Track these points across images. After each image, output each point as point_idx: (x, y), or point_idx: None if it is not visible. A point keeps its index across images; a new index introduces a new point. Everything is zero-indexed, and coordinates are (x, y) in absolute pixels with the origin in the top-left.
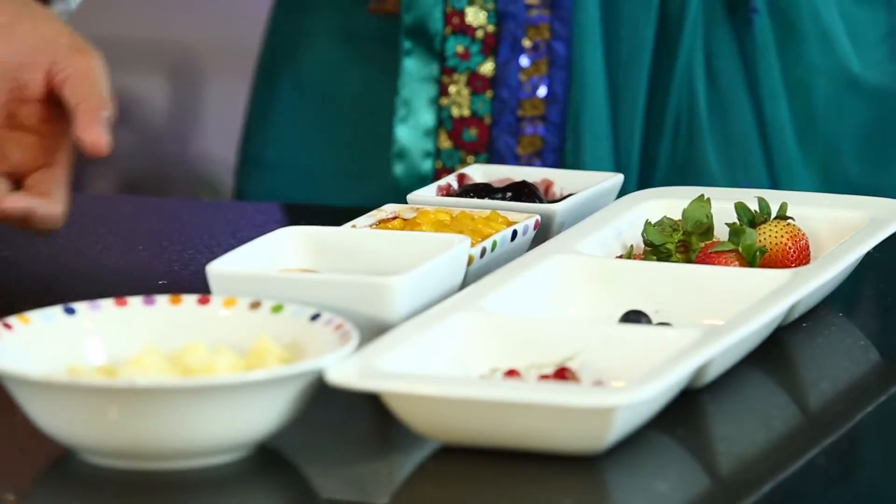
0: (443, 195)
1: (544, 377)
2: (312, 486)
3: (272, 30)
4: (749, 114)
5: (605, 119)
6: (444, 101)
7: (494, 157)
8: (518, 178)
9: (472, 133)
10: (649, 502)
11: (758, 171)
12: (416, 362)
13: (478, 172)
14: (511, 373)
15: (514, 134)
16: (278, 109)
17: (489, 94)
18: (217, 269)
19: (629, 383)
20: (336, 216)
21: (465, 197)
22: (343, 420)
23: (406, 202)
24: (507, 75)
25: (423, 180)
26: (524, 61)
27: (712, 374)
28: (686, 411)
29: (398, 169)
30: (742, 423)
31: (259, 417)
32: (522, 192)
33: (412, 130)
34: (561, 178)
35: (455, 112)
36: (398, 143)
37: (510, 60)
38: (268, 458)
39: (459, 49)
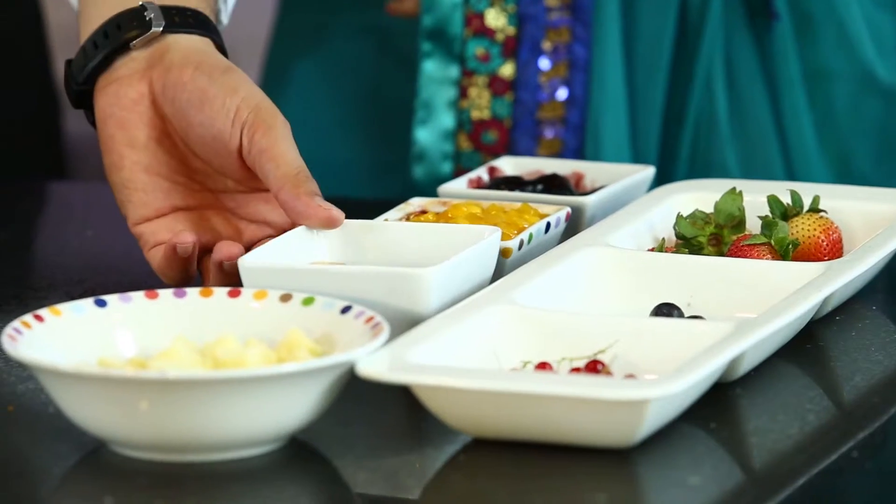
0: (473, 188)
1: (576, 370)
2: (344, 478)
3: (282, 25)
4: (768, 115)
5: (624, 121)
6: (464, 103)
7: None
8: (549, 171)
9: (491, 135)
10: (682, 496)
11: (776, 172)
12: (447, 355)
13: (508, 165)
14: (542, 366)
15: (534, 136)
16: (292, 103)
17: (509, 96)
18: (249, 262)
19: (661, 376)
20: (361, 209)
21: (496, 189)
22: (374, 413)
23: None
24: (527, 78)
25: (442, 182)
26: (544, 64)
27: (745, 367)
28: (719, 405)
29: (418, 171)
30: (775, 416)
31: (290, 410)
32: (553, 184)
33: (432, 133)
34: (592, 171)
35: (475, 114)
36: (418, 145)
37: (530, 63)
38: (300, 451)
39: (479, 51)
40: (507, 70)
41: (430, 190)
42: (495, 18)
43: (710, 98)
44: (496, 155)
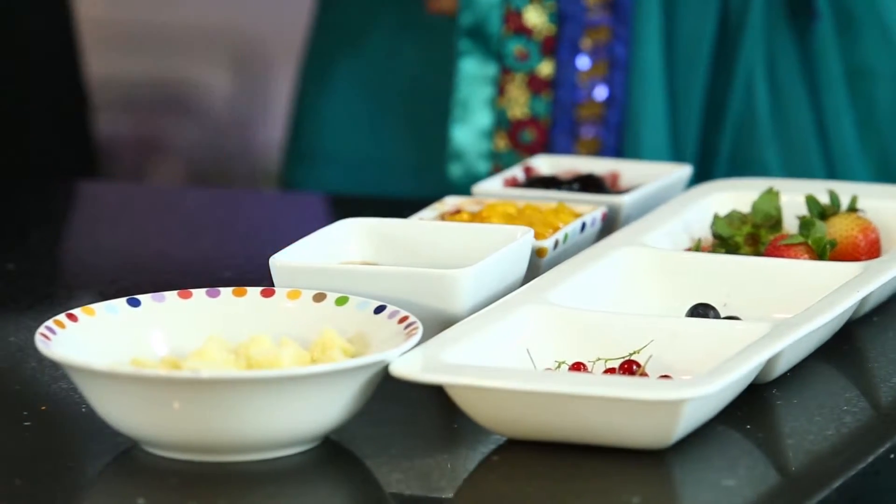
0: (509, 187)
1: (610, 371)
2: (377, 479)
3: (321, 22)
4: (809, 114)
5: (663, 120)
6: (502, 102)
7: None
8: (585, 169)
9: (529, 135)
10: (717, 498)
11: (817, 172)
12: (481, 355)
13: (544, 164)
14: (577, 366)
15: (573, 136)
16: (331, 101)
17: (548, 95)
18: (281, 261)
19: (697, 377)
20: (396, 208)
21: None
22: (408, 413)
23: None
24: (566, 77)
25: (479, 182)
26: (584, 63)
27: (781, 368)
28: (755, 406)
29: (454, 170)
30: (812, 418)
31: (324, 410)
32: (589, 184)
33: (469, 132)
34: (628, 170)
35: (513, 113)
36: (454, 144)
37: (569, 62)
38: (333, 451)
39: (518, 49)
40: (545, 69)
41: (466, 190)
42: (534, 16)
43: (750, 97)
44: (534, 154)
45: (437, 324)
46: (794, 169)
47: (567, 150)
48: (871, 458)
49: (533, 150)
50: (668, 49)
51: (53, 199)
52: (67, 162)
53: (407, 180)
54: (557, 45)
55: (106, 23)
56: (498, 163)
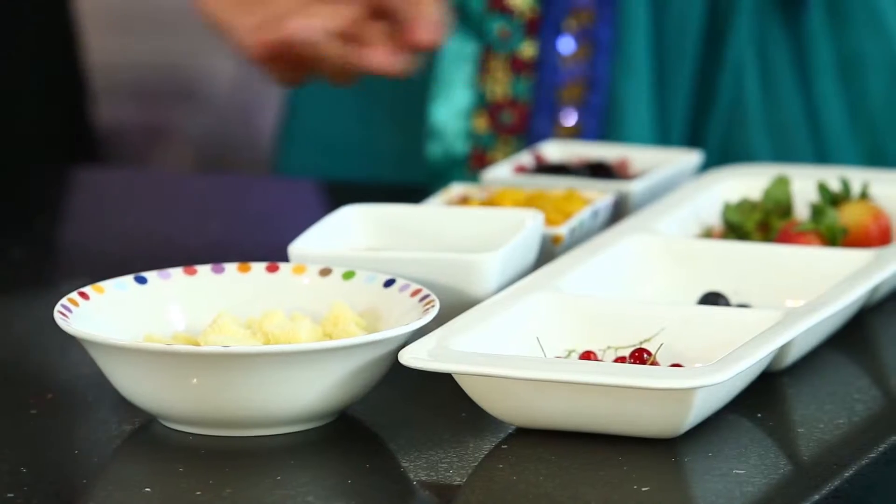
0: (518, 174)
1: (621, 359)
2: (386, 467)
3: None
4: (799, 102)
5: (648, 106)
6: (483, 82)
7: (532, 142)
8: (595, 155)
9: (509, 116)
10: (728, 486)
11: (807, 160)
12: (491, 343)
13: (554, 150)
14: (587, 354)
15: (553, 119)
16: (322, 86)
17: (529, 76)
18: (299, 248)
19: (708, 365)
20: (396, 194)
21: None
22: (417, 402)
23: (440, 184)
24: (548, 58)
25: (457, 163)
26: (567, 45)
27: (793, 356)
28: (766, 394)
29: (432, 149)
30: (823, 406)
31: (347, 383)
32: (599, 171)
33: (448, 111)
34: (638, 156)
35: (493, 94)
36: (433, 123)
37: (552, 43)
38: (341, 440)
39: (500, 29)
40: (527, 49)
41: (445, 171)
42: None
43: (740, 84)
44: (514, 135)
45: (461, 309)
46: (784, 157)
47: (547, 133)
48: (882, 447)
49: (513, 131)
50: (655, 33)
51: (59, 185)
52: (68, 148)
53: (391, 167)
54: (541, 26)
55: (111, 8)
56: (477, 144)
